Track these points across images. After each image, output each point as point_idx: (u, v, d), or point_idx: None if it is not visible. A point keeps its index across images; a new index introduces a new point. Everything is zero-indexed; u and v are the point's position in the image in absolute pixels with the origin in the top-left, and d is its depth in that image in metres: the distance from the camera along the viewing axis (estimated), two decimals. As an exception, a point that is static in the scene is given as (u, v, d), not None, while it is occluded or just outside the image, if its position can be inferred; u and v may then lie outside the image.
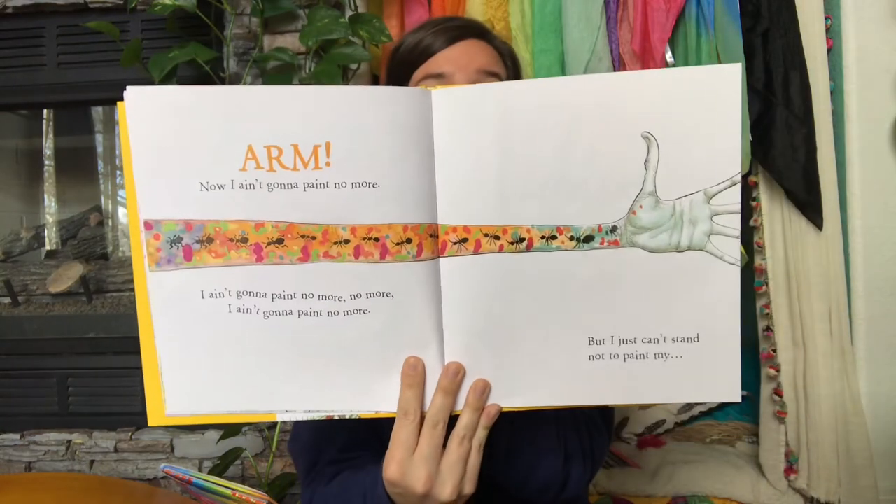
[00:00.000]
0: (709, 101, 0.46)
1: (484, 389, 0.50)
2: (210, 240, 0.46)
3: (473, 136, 0.48)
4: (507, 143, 0.48)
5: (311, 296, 0.47)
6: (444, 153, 0.48)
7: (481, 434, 0.50)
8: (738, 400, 0.49)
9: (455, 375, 0.49)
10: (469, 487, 0.50)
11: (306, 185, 0.46)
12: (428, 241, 0.48)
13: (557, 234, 0.48)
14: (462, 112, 0.48)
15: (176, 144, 0.45)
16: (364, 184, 0.46)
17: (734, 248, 0.48)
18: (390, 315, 0.48)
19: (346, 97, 0.46)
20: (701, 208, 0.48)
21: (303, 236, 0.46)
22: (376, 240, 0.47)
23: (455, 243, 0.49)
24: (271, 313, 0.47)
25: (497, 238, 0.48)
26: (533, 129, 0.47)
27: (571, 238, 0.48)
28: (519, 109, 0.47)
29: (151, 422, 0.48)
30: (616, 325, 0.49)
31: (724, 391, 0.49)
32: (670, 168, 0.47)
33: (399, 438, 0.49)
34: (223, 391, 0.48)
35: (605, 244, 0.49)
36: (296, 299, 0.47)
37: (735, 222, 0.48)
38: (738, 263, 0.48)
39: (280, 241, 0.47)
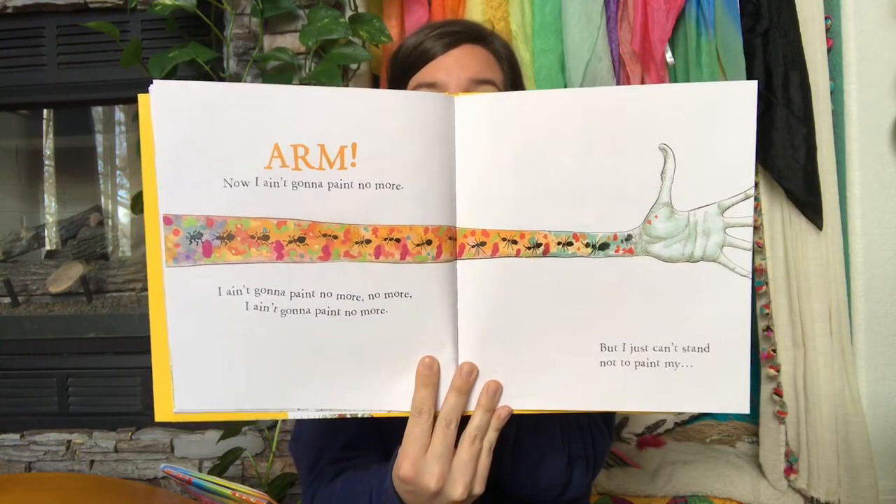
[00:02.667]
0: (724, 115, 0.48)
1: (496, 391, 0.50)
2: (231, 236, 0.46)
3: (494, 142, 0.49)
4: (526, 151, 0.49)
5: (329, 295, 0.47)
6: (465, 158, 0.49)
7: (492, 435, 0.51)
8: (747, 410, 0.50)
9: (468, 376, 0.50)
10: (479, 487, 0.50)
11: (331, 184, 0.46)
12: (447, 243, 0.49)
13: (574, 241, 0.49)
14: (483, 119, 0.49)
15: (201, 140, 0.45)
16: (388, 185, 0.47)
17: (746, 261, 0.49)
18: (407, 315, 0.49)
19: (373, 100, 0.47)
20: (714, 220, 0.49)
21: (324, 235, 0.47)
22: (397, 240, 0.48)
23: (473, 246, 0.50)
24: (289, 311, 0.47)
25: (514, 242, 0.49)
26: (551, 138, 0.48)
27: (587, 245, 0.49)
28: (538, 118, 0.48)
29: (159, 418, 0.48)
30: (628, 332, 0.50)
31: (733, 401, 0.50)
32: (686, 180, 0.48)
33: (413, 436, 0.49)
34: (235, 389, 0.48)
35: (620, 252, 0.49)
36: (314, 298, 0.47)
37: (748, 235, 0.49)
38: (750, 276, 0.49)
39: (301, 240, 0.47)
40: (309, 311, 0.48)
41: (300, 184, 0.46)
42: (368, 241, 0.47)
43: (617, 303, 0.50)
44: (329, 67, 1.34)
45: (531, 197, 0.49)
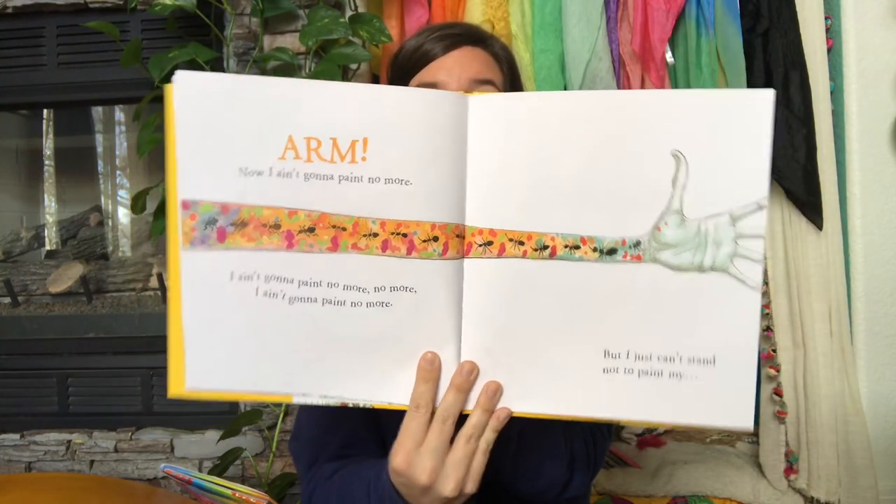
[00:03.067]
0: (740, 124, 0.47)
1: (496, 392, 0.50)
2: (244, 224, 0.48)
3: (505, 142, 0.49)
4: (537, 151, 0.49)
5: (336, 285, 0.48)
6: (477, 157, 0.49)
7: (489, 436, 0.50)
8: (750, 428, 0.49)
9: (469, 374, 0.50)
10: (471, 487, 0.50)
11: (341, 177, 0.48)
12: (454, 240, 0.49)
13: (581, 244, 0.49)
14: (497, 118, 0.49)
15: (220, 129, 0.47)
16: (397, 180, 0.48)
17: (756, 273, 0.48)
18: (411, 310, 0.49)
19: (386, 96, 0.48)
20: (726, 230, 0.48)
21: (334, 227, 0.48)
22: (404, 235, 0.48)
23: (480, 245, 0.49)
24: (296, 299, 0.48)
25: (521, 244, 0.49)
26: (564, 139, 0.48)
27: (595, 249, 0.49)
28: (551, 119, 0.48)
29: (171, 393, 0.49)
30: (633, 340, 0.49)
31: (736, 417, 0.49)
32: (698, 188, 0.48)
33: (409, 430, 0.49)
34: (243, 370, 0.49)
35: (628, 258, 0.49)
36: (321, 287, 0.48)
37: (759, 247, 0.48)
38: (760, 289, 0.48)
39: (311, 230, 0.48)
40: (316, 300, 0.48)
41: (312, 175, 0.47)
42: (376, 235, 0.48)
43: (623, 309, 0.49)
44: (329, 67, 1.34)
45: (540, 198, 0.49)
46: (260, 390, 0.49)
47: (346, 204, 0.48)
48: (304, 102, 0.47)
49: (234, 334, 0.49)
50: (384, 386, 0.50)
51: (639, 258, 0.49)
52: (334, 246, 0.48)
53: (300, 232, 0.48)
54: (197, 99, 0.47)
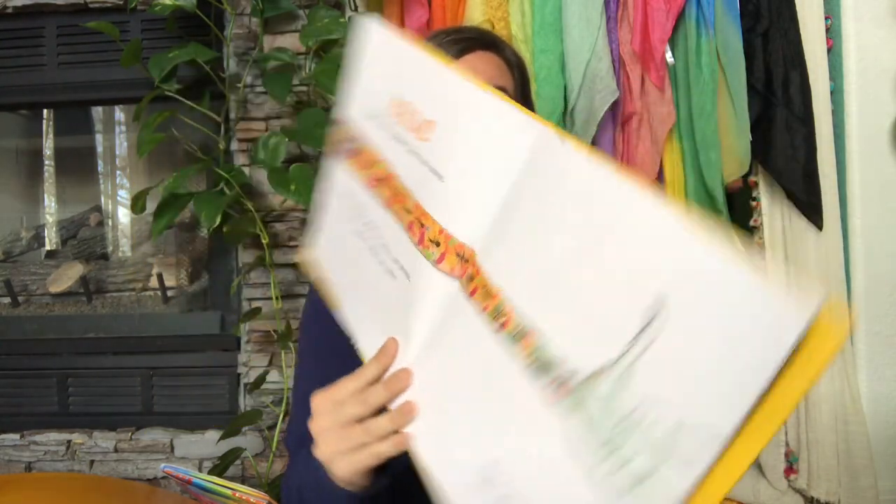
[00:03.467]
0: (755, 327, 0.31)
1: (409, 412, 0.48)
2: (358, 153, 0.57)
3: (534, 183, 0.41)
4: (546, 210, 0.41)
5: (379, 238, 0.54)
6: (516, 189, 0.43)
7: (385, 447, 0.48)
8: None
9: (399, 381, 0.49)
10: (341, 470, 0.50)
11: (409, 149, 0.51)
12: (453, 257, 0.46)
13: (525, 336, 0.40)
14: (549, 160, 0.41)
15: (369, 74, 0.56)
16: (436, 172, 0.48)
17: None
18: (403, 293, 0.51)
19: (467, 90, 0.46)
20: (662, 435, 0.33)
21: (392, 188, 0.52)
22: (422, 225, 0.49)
23: (467, 276, 0.46)
24: (357, 235, 0.57)
25: (490, 297, 0.43)
26: (569, 212, 0.39)
27: (533, 352, 0.39)
28: (580, 182, 0.39)
29: (300, 257, 0.61)
30: (514, 474, 0.41)
31: None
32: (659, 359, 0.33)
33: (340, 387, 0.51)
34: (329, 261, 0.62)
35: (555, 385, 0.38)
36: (372, 234, 0.55)
37: (683, 482, 0.34)
38: None
39: (381, 181, 0.54)
40: (365, 242, 0.55)
41: (395, 137, 0.52)
42: (409, 212, 0.51)
43: (525, 442, 0.40)
44: (329, 67, 1.34)
45: (524, 262, 0.41)
46: (332, 281, 0.61)
47: (405, 173, 0.51)
48: (419, 75, 0.51)
49: (330, 234, 0.61)
50: (369, 341, 0.54)
51: (567, 392, 0.37)
52: (388, 204, 0.53)
53: (376, 179, 0.54)
54: (369, 45, 0.56)
